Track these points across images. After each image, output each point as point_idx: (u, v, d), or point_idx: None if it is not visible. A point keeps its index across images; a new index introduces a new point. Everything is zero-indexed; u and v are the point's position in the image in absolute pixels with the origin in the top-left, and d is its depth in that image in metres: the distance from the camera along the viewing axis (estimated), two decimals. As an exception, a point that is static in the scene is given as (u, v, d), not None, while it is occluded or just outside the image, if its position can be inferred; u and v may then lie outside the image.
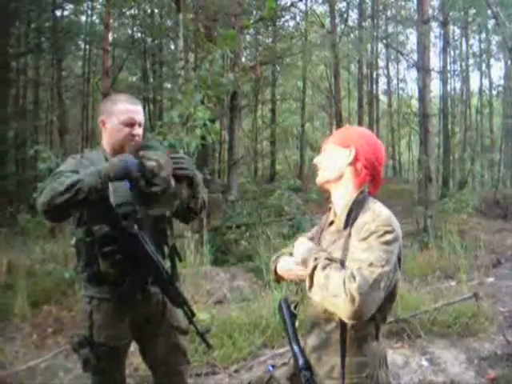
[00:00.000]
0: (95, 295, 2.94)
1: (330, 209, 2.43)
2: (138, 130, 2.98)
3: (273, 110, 24.51)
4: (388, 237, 2.09)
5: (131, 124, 2.95)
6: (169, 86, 17.97)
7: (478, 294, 6.32)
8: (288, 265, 2.36)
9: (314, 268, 2.10)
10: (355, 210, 2.22)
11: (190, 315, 2.94)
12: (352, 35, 23.45)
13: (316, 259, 2.13)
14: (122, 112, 2.94)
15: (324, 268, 2.07)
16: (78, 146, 23.47)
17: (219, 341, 5.13)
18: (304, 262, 2.20)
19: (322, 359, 2.25)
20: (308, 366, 2.26)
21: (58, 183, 2.64)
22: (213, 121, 6.62)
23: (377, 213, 2.17)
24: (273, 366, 2.57)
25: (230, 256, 8.61)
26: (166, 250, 3.01)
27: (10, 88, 15.90)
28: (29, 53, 18.19)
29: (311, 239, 2.42)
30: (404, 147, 35.55)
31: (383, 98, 33.64)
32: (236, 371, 4.72)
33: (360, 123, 26.57)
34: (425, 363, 5.08)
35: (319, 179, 2.37)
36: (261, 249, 7.50)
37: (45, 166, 6.22)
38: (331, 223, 2.36)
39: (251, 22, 15.14)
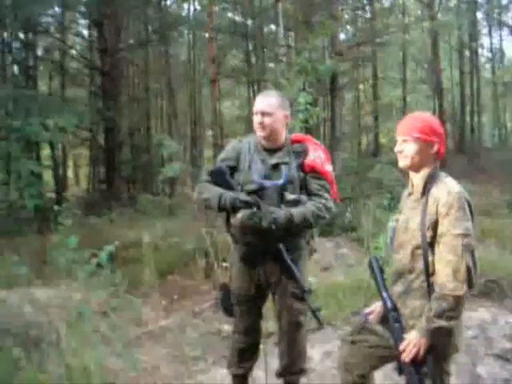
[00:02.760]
0: (234, 257, 3.70)
1: (409, 182, 2.88)
2: (262, 119, 3.51)
3: (374, 85, 24.47)
4: (465, 207, 2.58)
5: (256, 113, 3.54)
6: (272, 65, 18.44)
7: None
8: None
9: None
10: (430, 181, 2.69)
11: (302, 292, 3.46)
12: (451, 5, 22.93)
13: None
14: (255, 104, 3.60)
15: None
16: (186, 129, 24.64)
17: (325, 302, 5.69)
18: None
19: (406, 303, 2.74)
20: (395, 308, 2.75)
21: (200, 188, 3.60)
22: (312, 104, 7.10)
23: (449, 187, 2.63)
24: (367, 314, 3.06)
25: (335, 227, 9.12)
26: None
27: (121, 78, 17.01)
28: (139, 45, 19.28)
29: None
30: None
31: (485, 67, 32.67)
32: (339, 327, 5.27)
33: (462, 94, 26.05)
34: (512, 320, 5.41)
35: (402, 165, 2.79)
36: (363, 220, 7.98)
37: (166, 151, 7.03)
38: (410, 194, 2.85)
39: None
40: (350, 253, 7.68)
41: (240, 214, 3.35)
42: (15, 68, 16.54)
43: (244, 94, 26.04)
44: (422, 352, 2.58)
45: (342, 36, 16.43)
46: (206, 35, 14.10)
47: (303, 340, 3.76)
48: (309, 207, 3.42)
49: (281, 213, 3.35)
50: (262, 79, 17.28)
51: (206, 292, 6.97)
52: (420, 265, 2.66)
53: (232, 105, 29.89)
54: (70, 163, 32.08)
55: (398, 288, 2.79)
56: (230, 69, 21.60)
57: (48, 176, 17.90)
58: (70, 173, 33.17)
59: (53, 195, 15.77)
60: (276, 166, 3.55)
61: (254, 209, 3.34)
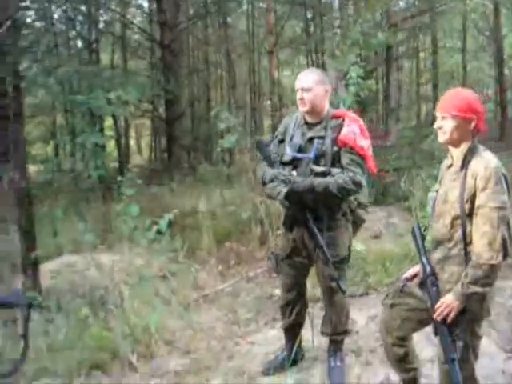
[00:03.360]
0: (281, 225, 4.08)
1: (449, 155, 3.02)
2: (302, 94, 3.78)
3: (434, 53, 23.92)
4: (502, 181, 2.73)
5: (297, 89, 3.82)
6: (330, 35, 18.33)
7: None
8: None
9: None
10: (469, 155, 2.84)
11: (326, 259, 3.77)
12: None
13: None
14: (296, 81, 3.89)
15: None
16: (246, 99, 24.84)
17: (373, 268, 5.92)
18: None
19: (444, 268, 2.93)
20: (433, 273, 2.95)
21: (261, 170, 4.00)
22: (364, 77, 7.25)
23: (487, 161, 2.77)
24: (406, 278, 3.26)
25: (389, 197, 9.25)
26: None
27: (181, 51, 17.28)
28: (198, 17, 19.51)
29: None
30: None
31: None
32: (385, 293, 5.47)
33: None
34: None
35: (441, 140, 2.94)
36: (415, 189, 8.08)
37: (223, 125, 7.37)
38: (450, 166, 2.99)
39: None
40: (401, 222, 7.82)
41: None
42: (79, 42, 17.08)
43: (303, 63, 26.00)
44: (453, 314, 2.78)
45: (400, 4, 16.03)
46: (265, 5, 14.15)
47: (340, 304, 4.03)
48: (334, 179, 3.65)
49: (301, 181, 3.68)
50: (321, 49, 17.29)
51: (260, 259, 7.27)
52: (458, 234, 2.84)
53: (292, 74, 29.84)
54: (133, 133, 32.83)
55: (437, 254, 2.97)
56: (288, 38, 21.58)
57: (111, 147, 18.51)
58: (133, 143, 34.01)
59: (116, 165, 16.37)
60: (311, 140, 3.81)
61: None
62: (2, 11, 5.65)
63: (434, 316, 2.84)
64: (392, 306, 3.22)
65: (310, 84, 3.78)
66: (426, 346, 4.09)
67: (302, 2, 19.13)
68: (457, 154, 2.92)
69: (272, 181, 3.80)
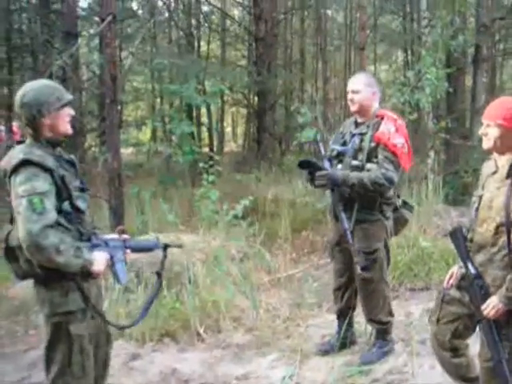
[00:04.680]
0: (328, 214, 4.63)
1: (492, 160, 3.09)
2: (352, 96, 4.18)
3: None
4: None
5: (348, 91, 4.27)
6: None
7: None
8: None
9: None
10: None
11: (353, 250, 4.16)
12: None
13: None
14: (348, 83, 4.35)
15: None
16: (342, 91, 24.85)
17: (437, 265, 6.08)
18: None
19: (487, 272, 2.99)
20: (479, 276, 3.01)
21: None
22: (449, 80, 7.42)
23: None
24: (445, 288, 3.29)
25: (467, 197, 9.21)
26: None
27: (276, 43, 17.58)
28: (294, 10, 19.77)
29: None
30: None
31: None
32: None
33: None
34: None
35: (485, 147, 3.01)
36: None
37: (302, 119, 7.75)
38: (494, 173, 3.04)
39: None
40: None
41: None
42: (180, 33, 17.74)
43: (401, 58, 25.67)
44: (498, 315, 2.87)
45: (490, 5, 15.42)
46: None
47: (376, 294, 4.30)
48: (368, 173, 3.99)
49: (338, 173, 4.06)
50: (417, 45, 17.09)
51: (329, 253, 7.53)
52: (503, 240, 2.87)
53: (389, 68, 29.49)
54: (229, 120, 33.56)
55: (479, 258, 3.02)
56: (385, 33, 21.40)
57: (206, 134, 19.13)
58: (229, 129, 34.79)
59: (207, 151, 16.94)
60: (353, 136, 4.21)
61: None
62: (104, 7, 6.22)
63: (481, 315, 2.93)
64: (438, 320, 3.27)
65: (358, 86, 4.18)
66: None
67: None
68: (502, 162, 2.96)
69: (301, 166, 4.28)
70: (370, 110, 4.20)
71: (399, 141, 4.04)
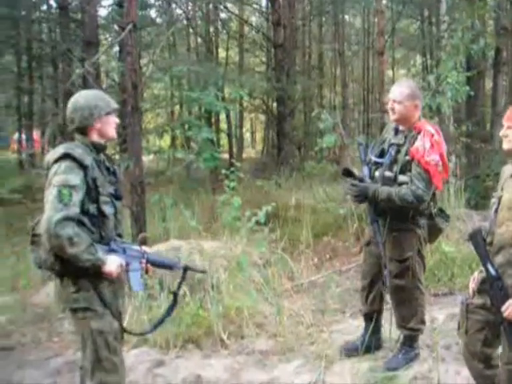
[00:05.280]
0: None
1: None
2: (393, 105, 4.13)
3: None
4: None
5: (389, 100, 4.20)
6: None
7: None
8: None
9: None
10: None
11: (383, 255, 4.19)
12: None
13: None
14: (390, 91, 4.30)
15: None
16: (360, 96, 24.86)
17: (460, 270, 6.04)
18: None
19: (507, 273, 2.99)
20: (499, 277, 2.99)
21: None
22: (469, 84, 7.41)
23: None
24: (466, 298, 3.30)
25: (489, 201, 9.11)
26: None
27: (294, 49, 17.61)
28: (312, 15, 19.81)
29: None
30: None
31: None
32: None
33: None
34: None
35: (505, 148, 3.05)
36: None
37: (323, 125, 7.81)
38: None
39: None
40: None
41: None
42: (198, 39, 17.86)
43: (419, 63, 25.62)
44: None
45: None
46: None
47: (409, 302, 4.29)
48: (398, 189, 3.99)
49: (369, 187, 4.08)
50: (436, 49, 17.07)
51: (354, 254, 7.50)
52: None
53: (408, 72, 29.43)
54: (248, 126, 33.65)
55: (499, 259, 3.02)
56: (404, 37, 21.41)
57: (225, 139, 19.20)
58: (248, 136, 34.88)
59: (227, 157, 16.99)
60: (391, 146, 4.17)
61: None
62: (125, 16, 6.27)
63: (503, 316, 2.91)
64: (467, 332, 3.25)
65: (400, 97, 4.12)
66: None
67: (419, 1, 18.88)
68: None
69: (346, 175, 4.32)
70: (410, 121, 4.16)
71: (433, 157, 3.99)
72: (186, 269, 3.35)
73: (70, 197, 2.83)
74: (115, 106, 3.21)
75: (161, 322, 3.48)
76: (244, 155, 23.90)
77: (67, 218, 2.79)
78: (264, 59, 21.47)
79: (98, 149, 3.14)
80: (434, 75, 7.49)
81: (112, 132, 3.19)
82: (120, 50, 12.29)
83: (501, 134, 3.07)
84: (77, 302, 2.99)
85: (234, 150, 20.21)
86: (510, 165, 3.15)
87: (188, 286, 5.38)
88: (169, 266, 3.39)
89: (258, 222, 6.39)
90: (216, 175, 11.21)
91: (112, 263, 2.96)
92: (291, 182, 12.36)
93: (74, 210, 2.85)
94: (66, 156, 2.92)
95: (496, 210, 3.09)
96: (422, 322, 4.39)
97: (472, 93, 7.81)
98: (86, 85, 10.31)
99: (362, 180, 4.19)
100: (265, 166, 16.65)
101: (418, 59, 26.07)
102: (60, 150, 2.97)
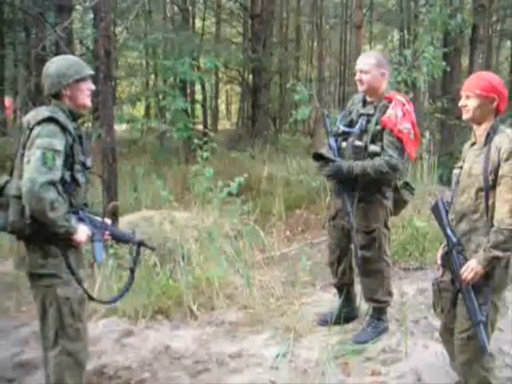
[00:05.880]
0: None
1: (472, 134, 3.21)
2: (361, 75, 4.12)
3: None
4: None
5: (356, 71, 4.21)
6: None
7: None
8: None
9: None
10: (491, 132, 3.04)
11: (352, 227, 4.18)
12: None
13: None
14: (356, 63, 4.28)
15: None
16: (336, 70, 24.75)
17: (432, 245, 6.08)
18: None
19: (471, 239, 3.08)
20: (459, 243, 3.08)
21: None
22: (445, 59, 7.43)
23: (508, 134, 2.99)
24: (436, 279, 3.36)
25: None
26: None
27: (272, 20, 17.42)
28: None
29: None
30: None
31: None
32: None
33: None
34: None
35: (465, 118, 3.13)
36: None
37: (298, 97, 7.73)
38: (473, 144, 3.19)
39: None
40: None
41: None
42: (175, 8, 17.53)
43: (397, 38, 25.52)
44: (477, 277, 2.95)
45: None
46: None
47: (375, 273, 4.33)
48: (372, 162, 3.97)
49: (343, 165, 4.02)
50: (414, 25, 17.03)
51: (326, 227, 7.52)
52: (483, 206, 3.00)
53: (385, 48, 29.34)
54: (223, 98, 33.39)
55: (462, 226, 3.12)
56: (381, 12, 21.25)
57: (199, 110, 19.01)
58: (223, 107, 34.63)
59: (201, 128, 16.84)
60: (361, 116, 4.16)
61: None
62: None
63: (461, 279, 2.99)
64: (443, 311, 3.32)
65: (367, 66, 4.12)
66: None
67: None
68: (479, 132, 3.10)
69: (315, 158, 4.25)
70: (378, 91, 4.17)
71: (406, 126, 4.02)
72: (139, 244, 3.35)
73: (53, 161, 2.81)
74: (88, 72, 3.15)
75: (120, 296, 3.49)
76: (219, 127, 23.77)
77: (51, 182, 2.77)
78: (241, 30, 21.21)
79: (73, 115, 3.10)
80: (411, 50, 7.45)
81: (83, 99, 3.12)
82: (94, 15, 11.99)
83: (460, 104, 3.16)
84: (44, 267, 2.95)
85: (209, 121, 20.04)
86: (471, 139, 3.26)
87: (158, 256, 5.35)
88: (126, 240, 3.42)
89: (230, 193, 6.34)
90: (189, 146, 11.11)
91: (82, 232, 2.96)
92: (265, 154, 12.32)
93: (57, 175, 2.83)
94: (50, 119, 2.89)
95: (458, 181, 3.19)
96: (389, 293, 4.42)
97: (448, 69, 7.80)
98: (58, 51, 10.09)
99: (333, 160, 4.15)
100: (239, 138, 16.54)
101: (396, 34, 26.00)
102: (44, 112, 2.93)
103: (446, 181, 8.77)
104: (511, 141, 2.94)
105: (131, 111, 16.45)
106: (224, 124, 28.23)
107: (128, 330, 4.52)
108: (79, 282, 3.04)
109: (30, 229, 2.86)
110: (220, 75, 19.45)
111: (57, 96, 3.06)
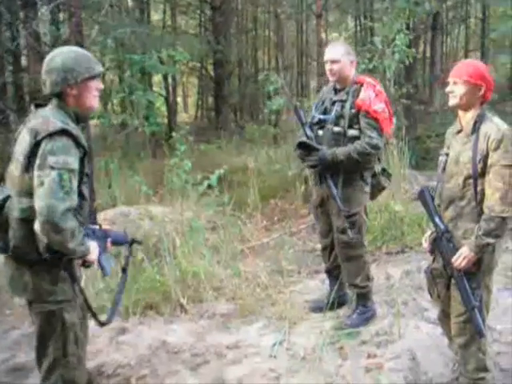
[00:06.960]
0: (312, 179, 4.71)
1: (458, 121, 3.22)
2: (331, 66, 4.21)
3: (483, 19, 22.96)
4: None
5: (326, 61, 4.27)
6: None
7: None
8: None
9: None
10: (479, 120, 3.06)
11: (338, 210, 4.26)
12: None
13: None
14: (325, 54, 4.33)
15: None
16: (293, 60, 24.81)
17: (410, 229, 6.20)
18: None
19: (457, 225, 3.12)
20: (447, 230, 3.13)
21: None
22: (409, 45, 7.55)
23: (498, 124, 3.01)
24: (428, 267, 3.40)
25: (429, 162, 9.42)
26: None
27: (231, 11, 17.35)
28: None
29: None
30: None
31: None
32: (421, 251, 5.69)
33: None
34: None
35: (451, 104, 3.15)
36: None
37: (272, 87, 7.78)
38: (459, 132, 3.20)
39: None
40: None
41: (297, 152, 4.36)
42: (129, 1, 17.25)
43: (351, 26, 25.70)
44: (470, 264, 3.00)
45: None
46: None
47: (355, 258, 4.39)
48: (354, 146, 4.07)
49: (326, 153, 4.11)
50: (369, 14, 17.21)
51: (303, 215, 7.59)
52: (470, 193, 3.04)
53: (340, 36, 29.55)
54: (179, 91, 33.08)
55: (449, 213, 3.16)
56: (337, 1, 21.32)
57: (160, 104, 18.79)
58: (180, 100, 34.30)
59: (165, 122, 16.68)
60: (334, 103, 4.26)
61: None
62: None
63: (454, 266, 3.04)
64: (439, 296, 3.36)
65: (337, 56, 4.21)
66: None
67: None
68: (466, 119, 3.13)
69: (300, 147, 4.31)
70: (348, 78, 4.27)
71: (380, 106, 4.13)
72: (132, 242, 3.18)
73: (70, 183, 2.49)
74: (99, 69, 2.77)
75: (118, 302, 3.18)
76: (178, 120, 23.55)
77: (70, 209, 2.47)
78: (200, 21, 20.98)
79: (78, 119, 2.74)
80: (380, 38, 7.56)
81: (91, 100, 2.75)
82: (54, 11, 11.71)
83: (447, 90, 3.17)
84: (52, 294, 2.66)
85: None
86: (454, 125, 3.29)
87: (144, 251, 5.31)
88: (124, 242, 3.18)
89: (209, 186, 6.32)
90: (156, 140, 11.02)
91: (94, 250, 2.72)
92: (233, 146, 12.31)
93: (75, 199, 2.54)
94: (62, 132, 2.52)
95: (444, 168, 3.22)
96: (368, 278, 4.48)
97: (417, 55, 7.96)
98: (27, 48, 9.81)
99: (317, 149, 4.20)
100: (203, 131, 16.45)
101: (350, 23, 26.20)
102: (53, 121, 2.57)
103: (414, 165, 8.94)
104: (499, 129, 2.97)
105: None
106: (182, 117, 28.00)
107: (121, 327, 4.48)
108: (88, 303, 2.82)
109: (39, 256, 2.58)
110: (181, 68, 19.24)
111: (59, 95, 2.67)
